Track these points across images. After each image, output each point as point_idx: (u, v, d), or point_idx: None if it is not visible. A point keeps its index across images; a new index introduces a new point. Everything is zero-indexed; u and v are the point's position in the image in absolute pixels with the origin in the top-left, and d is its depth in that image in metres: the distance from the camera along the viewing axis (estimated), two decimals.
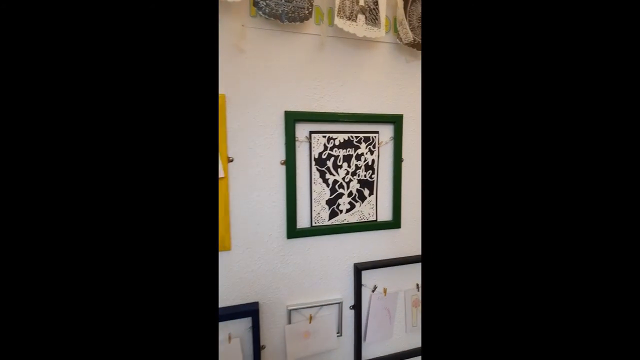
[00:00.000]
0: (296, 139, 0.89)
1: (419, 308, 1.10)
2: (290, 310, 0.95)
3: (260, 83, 0.85)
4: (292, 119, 0.87)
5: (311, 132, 0.91)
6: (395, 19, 0.94)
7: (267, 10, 0.80)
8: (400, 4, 0.91)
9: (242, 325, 0.90)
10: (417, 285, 1.09)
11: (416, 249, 1.08)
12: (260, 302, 0.93)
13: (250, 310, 0.89)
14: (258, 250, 0.91)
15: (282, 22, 0.82)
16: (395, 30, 0.95)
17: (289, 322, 0.96)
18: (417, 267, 1.08)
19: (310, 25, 0.88)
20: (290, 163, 0.89)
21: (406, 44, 0.93)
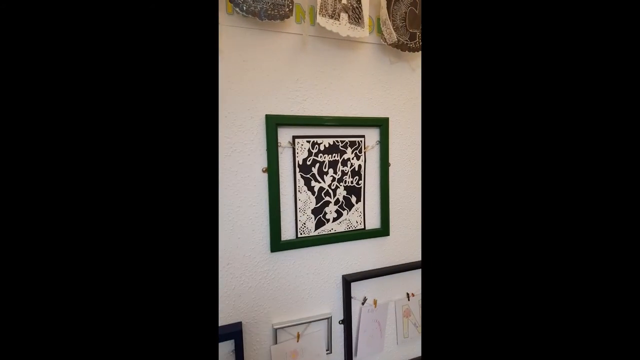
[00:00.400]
0: (279, 144, 0.83)
1: (410, 318, 1.06)
2: (276, 329, 0.88)
3: (239, 85, 0.79)
4: (274, 123, 0.81)
5: (294, 137, 0.85)
6: (378, 19, 0.91)
7: (244, 7, 0.75)
8: (384, 3, 0.88)
9: (224, 349, 0.82)
10: (408, 294, 1.05)
11: (405, 257, 1.04)
12: (244, 322, 0.85)
13: (233, 332, 0.82)
14: (240, 265, 0.84)
15: (261, 19, 0.76)
16: (379, 31, 0.91)
17: (275, 342, 0.89)
18: (407, 276, 1.04)
19: (291, 23, 0.83)
20: (272, 170, 0.83)
21: (390, 45, 0.90)
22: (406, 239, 1.03)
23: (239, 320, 0.85)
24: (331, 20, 0.81)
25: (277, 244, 0.85)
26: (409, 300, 1.05)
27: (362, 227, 0.96)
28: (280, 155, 0.84)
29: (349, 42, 0.89)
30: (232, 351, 0.82)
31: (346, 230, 0.94)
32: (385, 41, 0.89)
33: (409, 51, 0.93)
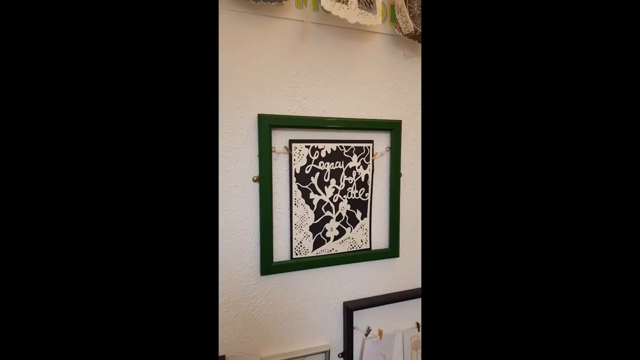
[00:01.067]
0: (273, 149, 0.71)
1: (419, 351, 0.93)
2: None
3: (228, 79, 0.67)
4: (268, 124, 0.70)
5: (291, 141, 0.73)
6: (392, 6, 0.79)
7: None
8: None
9: None
10: (418, 324, 0.93)
11: (417, 282, 0.91)
12: (228, 356, 0.74)
13: None
14: (225, 290, 0.72)
15: (256, 1, 0.64)
16: (393, 19, 0.79)
17: None
18: (417, 303, 0.91)
19: (290, 7, 0.70)
20: (265, 180, 0.71)
21: (406, 35, 0.77)
22: (418, 262, 0.91)
23: (222, 354, 0.73)
24: (338, 4, 0.68)
25: (269, 266, 0.73)
26: (419, 330, 0.93)
27: (368, 247, 0.84)
28: (274, 162, 0.72)
29: (358, 32, 0.77)
30: None
31: (349, 250, 0.82)
32: (401, 31, 0.77)
33: None
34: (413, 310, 0.92)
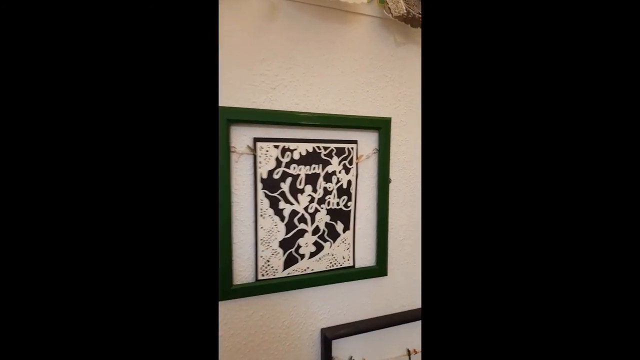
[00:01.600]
0: (232, 149, 0.60)
1: None
2: None
3: None
4: (225, 118, 0.58)
5: (256, 140, 0.62)
6: None
7: None
8: None
9: None
10: (409, 351, 0.82)
11: (407, 303, 0.80)
12: None
13: None
14: None
15: None
16: None
17: None
18: (408, 328, 0.80)
19: None
20: (222, 186, 0.59)
21: (396, 18, 0.66)
22: (409, 281, 0.80)
23: None
24: None
25: (228, 290, 0.62)
26: (409, 358, 0.81)
27: (351, 264, 0.73)
28: (234, 165, 0.61)
29: (339, 12, 0.65)
30: None
31: (328, 269, 0.70)
32: (390, 13, 0.66)
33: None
34: (403, 336, 0.80)
